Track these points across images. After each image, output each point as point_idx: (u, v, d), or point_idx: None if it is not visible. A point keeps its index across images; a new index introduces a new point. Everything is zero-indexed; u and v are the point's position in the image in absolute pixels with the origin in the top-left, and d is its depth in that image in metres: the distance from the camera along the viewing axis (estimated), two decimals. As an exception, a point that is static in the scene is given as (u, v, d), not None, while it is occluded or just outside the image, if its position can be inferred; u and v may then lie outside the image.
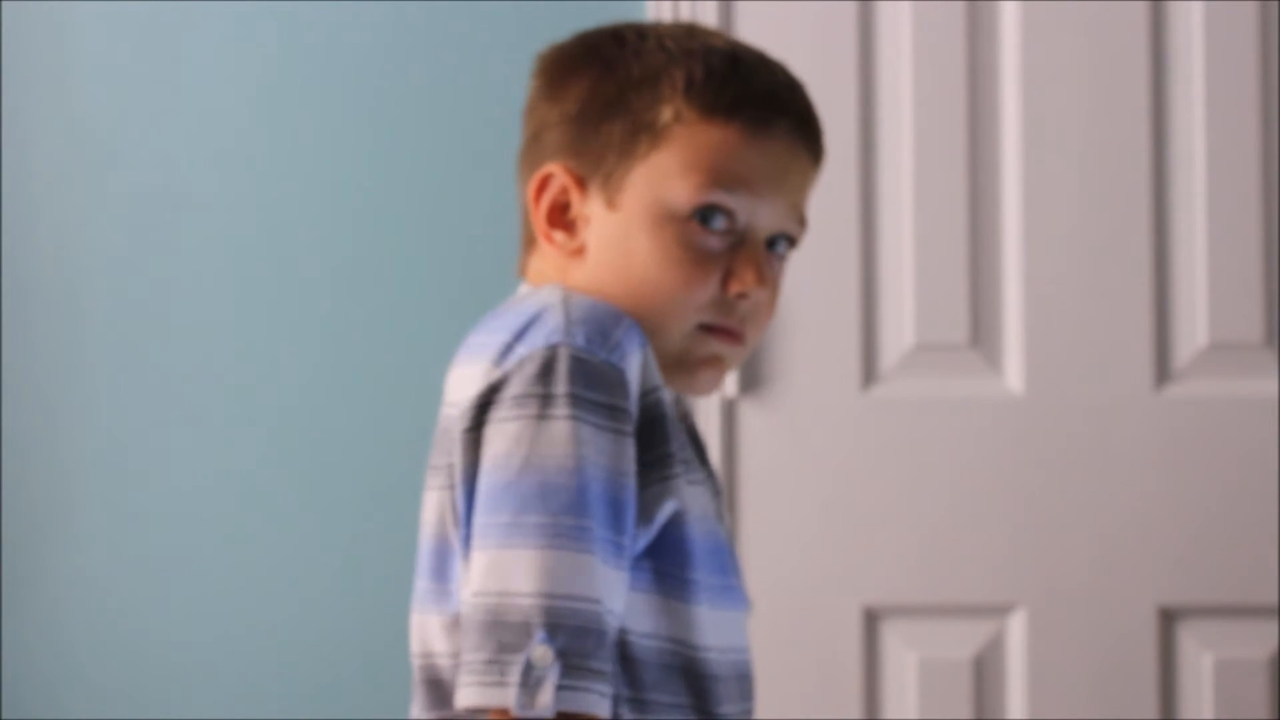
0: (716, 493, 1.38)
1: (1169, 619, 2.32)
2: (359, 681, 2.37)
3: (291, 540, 2.40)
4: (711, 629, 1.30)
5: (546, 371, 1.22)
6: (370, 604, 2.37)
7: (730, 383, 2.34)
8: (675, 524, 1.27)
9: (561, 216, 1.33)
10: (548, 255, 1.34)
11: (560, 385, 1.22)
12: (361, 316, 2.40)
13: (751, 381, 2.35)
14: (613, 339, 1.24)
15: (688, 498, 1.28)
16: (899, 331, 2.35)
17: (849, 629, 2.33)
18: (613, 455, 1.22)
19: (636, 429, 1.25)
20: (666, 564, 1.27)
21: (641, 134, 1.30)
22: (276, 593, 2.40)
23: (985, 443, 2.33)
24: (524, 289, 1.35)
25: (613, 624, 1.22)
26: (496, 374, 1.24)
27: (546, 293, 1.29)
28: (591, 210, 1.32)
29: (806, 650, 2.33)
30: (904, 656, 2.33)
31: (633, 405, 1.24)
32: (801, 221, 1.34)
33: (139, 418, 2.41)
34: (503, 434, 1.23)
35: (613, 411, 1.22)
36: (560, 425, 1.21)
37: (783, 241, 1.33)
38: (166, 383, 2.41)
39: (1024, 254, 2.34)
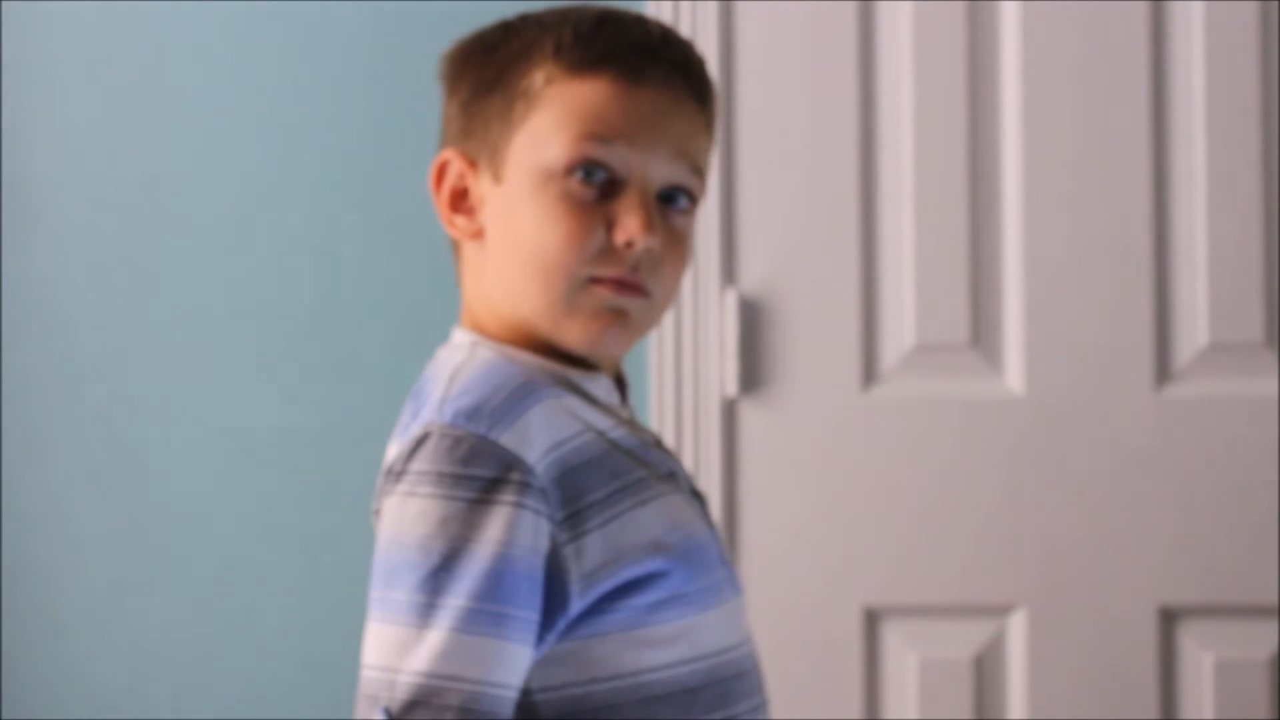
0: (691, 491, 1.37)
1: (1169, 619, 2.32)
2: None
3: (292, 540, 2.40)
4: (719, 629, 1.30)
5: (415, 450, 1.24)
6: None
7: (730, 383, 2.34)
8: (654, 554, 1.26)
9: (463, 202, 1.34)
10: (465, 250, 1.36)
11: (424, 463, 1.23)
12: (363, 316, 2.41)
13: (751, 381, 2.35)
14: (485, 410, 1.24)
15: (660, 516, 1.28)
16: (899, 331, 2.35)
17: (849, 629, 2.33)
18: (479, 526, 1.21)
19: (558, 482, 1.24)
20: (644, 596, 1.26)
21: (517, 101, 1.31)
22: (277, 593, 2.40)
23: (985, 443, 2.33)
24: (444, 349, 1.36)
25: (472, 693, 1.20)
26: (394, 454, 1.27)
27: (453, 355, 1.31)
28: (484, 189, 1.33)
29: (806, 650, 2.33)
30: (904, 656, 2.33)
31: (518, 470, 1.22)
32: (697, 171, 1.33)
33: (139, 418, 2.41)
34: (388, 509, 1.25)
35: (481, 483, 1.22)
36: (419, 503, 1.22)
37: (682, 196, 1.32)
38: (167, 382, 2.41)
39: (1024, 254, 2.34)
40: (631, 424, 1.36)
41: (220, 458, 2.41)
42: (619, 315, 1.30)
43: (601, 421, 1.31)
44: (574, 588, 1.23)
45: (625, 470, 1.29)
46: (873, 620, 2.34)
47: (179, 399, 2.41)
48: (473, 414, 1.24)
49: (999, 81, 2.35)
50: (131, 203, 2.42)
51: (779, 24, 2.35)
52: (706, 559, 1.31)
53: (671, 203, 1.32)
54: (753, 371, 2.35)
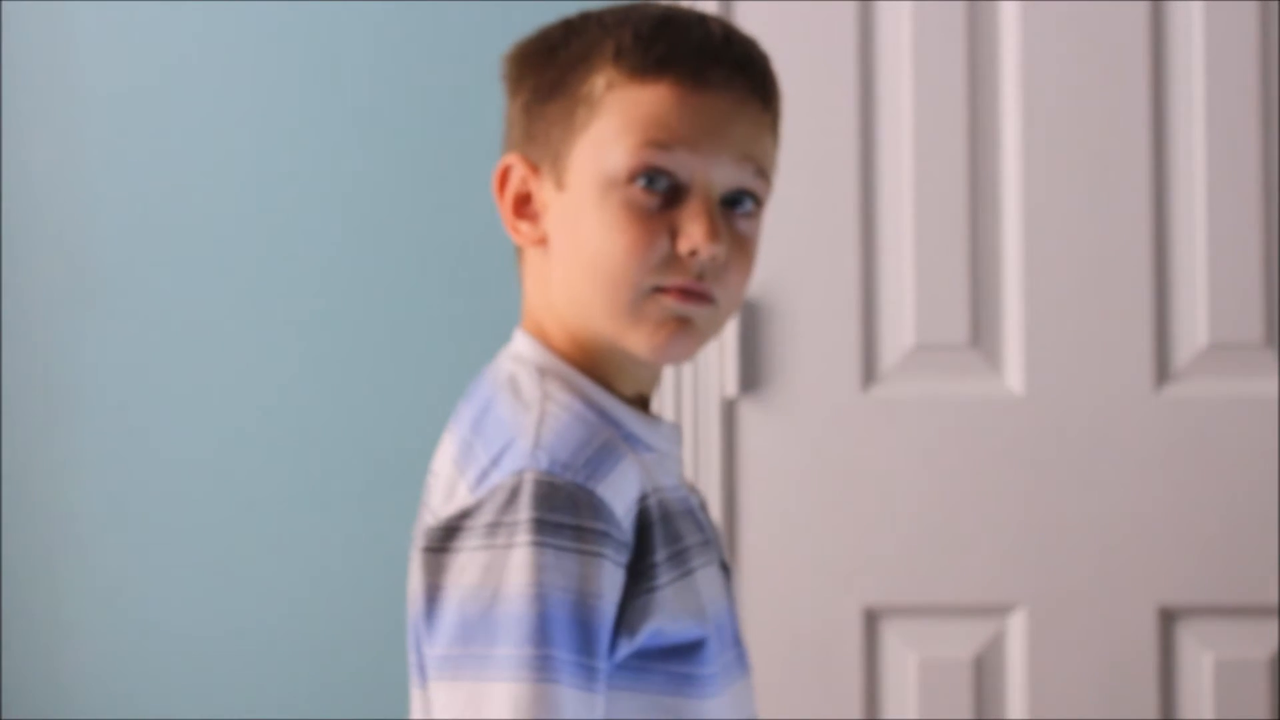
0: (722, 564, 1.36)
1: (1169, 619, 2.32)
2: (360, 683, 2.37)
3: (293, 540, 2.40)
4: (728, 710, 1.29)
5: (512, 499, 1.21)
6: (371, 605, 2.37)
7: (730, 383, 2.34)
8: (689, 625, 1.26)
9: (527, 208, 1.32)
10: (528, 255, 1.34)
11: (524, 512, 1.20)
12: (364, 317, 2.40)
13: (751, 381, 2.35)
14: (580, 458, 1.22)
15: (702, 587, 1.27)
16: (899, 331, 2.35)
17: (849, 629, 2.33)
18: (580, 577, 1.20)
19: (636, 536, 1.23)
20: (682, 664, 1.26)
21: (578, 107, 1.29)
22: (278, 593, 2.40)
23: (985, 443, 2.33)
24: (518, 341, 1.34)
25: None
26: (471, 500, 1.23)
27: (525, 384, 1.28)
28: (547, 195, 1.31)
29: (806, 650, 2.32)
30: (904, 656, 2.33)
31: (610, 523, 1.22)
32: (761, 174, 1.31)
33: (139, 417, 2.41)
34: (474, 563, 1.21)
35: (580, 533, 1.20)
36: (522, 553, 1.20)
37: (747, 199, 1.30)
38: (167, 383, 2.41)
39: (1024, 254, 2.34)
40: (688, 481, 1.35)
41: (221, 458, 2.41)
42: (684, 324, 1.28)
43: (666, 480, 1.30)
44: (624, 637, 1.23)
45: (684, 534, 1.28)
46: (873, 620, 2.34)
47: (180, 399, 2.41)
48: (569, 463, 1.22)
49: (999, 81, 2.35)
50: (132, 202, 2.42)
51: (779, 24, 2.34)
52: (724, 639, 1.30)
53: (736, 206, 1.30)
54: (753, 371, 2.35)
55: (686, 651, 1.25)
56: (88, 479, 2.41)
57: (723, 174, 1.28)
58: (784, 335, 2.35)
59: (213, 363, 2.41)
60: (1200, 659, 2.32)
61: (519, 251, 1.35)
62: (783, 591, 2.33)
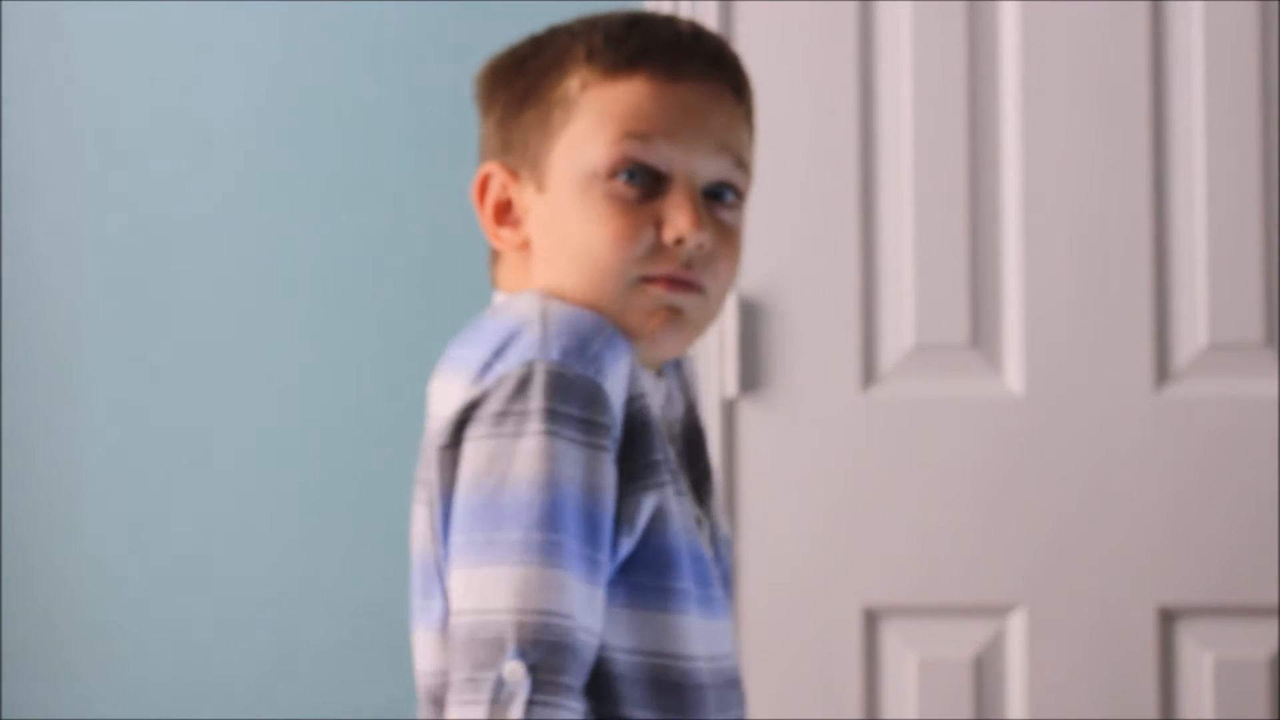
0: (710, 495, 1.37)
1: (1169, 619, 2.32)
2: (360, 683, 2.37)
3: (292, 541, 2.40)
4: (699, 638, 1.29)
5: (523, 388, 1.22)
6: (371, 605, 2.37)
7: (730, 383, 2.34)
8: (659, 533, 1.27)
9: (508, 214, 1.34)
10: (507, 258, 1.35)
11: (535, 401, 1.21)
12: (363, 317, 2.40)
13: (751, 381, 2.35)
14: (590, 351, 1.24)
15: (673, 507, 1.28)
16: (899, 331, 2.35)
17: (849, 629, 2.33)
18: (589, 470, 1.22)
19: (621, 438, 1.25)
20: (649, 576, 1.26)
21: (554, 110, 1.30)
22: (277, 593, 2.40)
23: (985, 443, 2.33)
24: (499, 297, 1.35)
25: (586, 640, 1.22)
26: (475, 391, 1.24)
27: (525, 302, 1.28)
28: (528, 199, 1.32)
29: (806, 650, 2.32)
30: (904, 656, 2.33)
31: (612, 419, 1.24)
32: (740, 165, 1.32)
33: (139, 418, 2.41)
34: (480, 451, 1.23)
35: (589, 426, 1.22)
36: (534, 441, 1.21)
37: (727, 192, 1.32)
38: (167, 383, 2.41)
39: (1024, 254, 2.34)
40: (690, 412, 1.37)
41: (221, 458, 2.41)
42: (674, 313, 1.30)
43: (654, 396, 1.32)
44: (626, 534, 1.25)
45: (662, 448, 1.29)
46: (873, 620, 2.34)
47: (180, 399, 2.41)
48: (580, 356, 1.23)
49: (999, 81, 2.35)
50: (132, 202, 2.42)
51: (779, 24, 2.35)
52: (703, 571, 1.30)
53: (718, 199, 1.31)
54: (752, 371, 2.35)
55: (655, 562, 1.26)
56: (88, 479, 2.41)
57: (703, 164, 1.30)
58: (784, 335, 2.35)
59: (214, 363, 2.41)
60: (1200, 659, 2.32)
61: (494, 258, 1.37)
62: (783, 591, 2.33)
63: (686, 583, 1.28)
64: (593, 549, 1.22)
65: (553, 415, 1.21)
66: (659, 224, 1.28)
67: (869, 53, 2.36)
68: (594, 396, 1.22)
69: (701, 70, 1.31)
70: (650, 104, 1.29)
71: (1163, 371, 2.34)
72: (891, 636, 2.34)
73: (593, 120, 1.29)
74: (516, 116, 1.33)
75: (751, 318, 2.35)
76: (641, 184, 1.28)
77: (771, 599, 2.32)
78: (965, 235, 2.34)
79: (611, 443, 1.23)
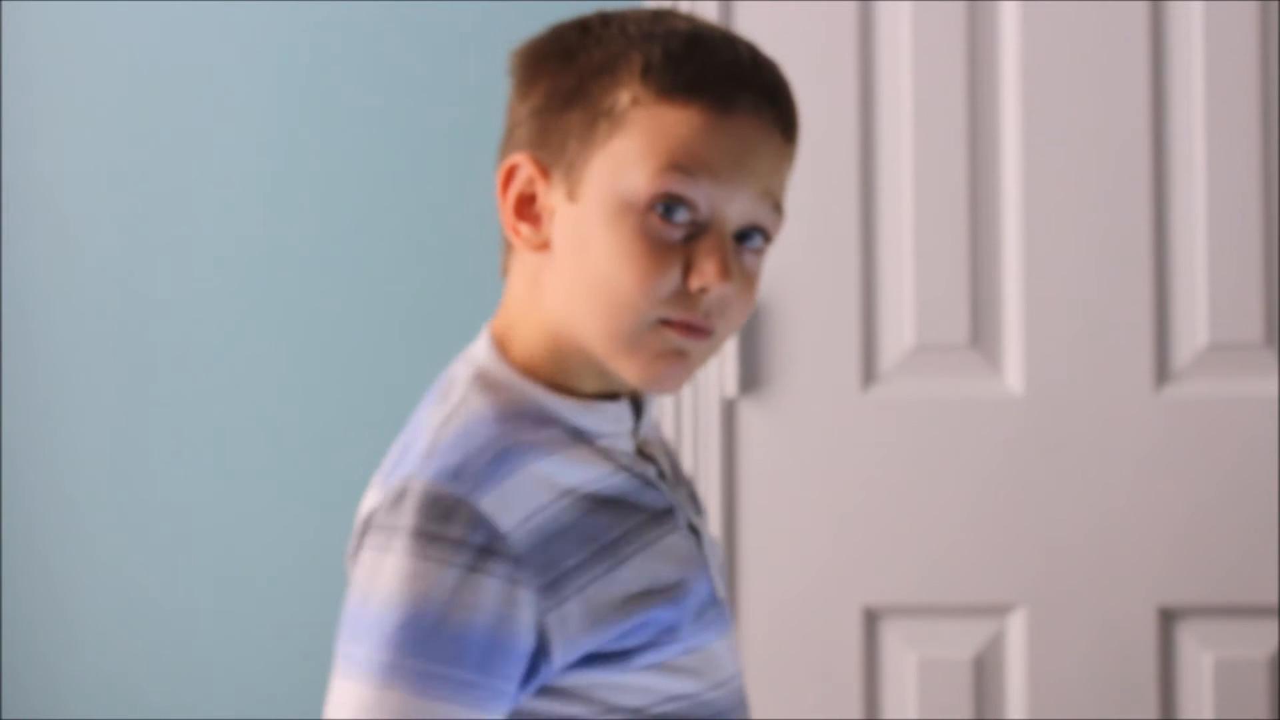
0: (690, 526, 1.34)
1: (1169, 619, 2.32)
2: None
3: (291, 541, 2.40)
4: (709, 670, 1.29)
5: (397, 503, 1.20)
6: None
7: (730, 383, 2.34)
8: (649, 604, 1.25)
9: (529, 209, 1.29)
10: (520, 253, 1.31)
11: (405, 519, 1.19)
12: (363, 318, 2.41)
13: (751, 381, 2.35)
14: (468, 471, 1.21)
15: (659, 554, 1.26)
16: (899, 331, 2.35)
17: (849, 629, 2.33)
18: (453, 590, 1.18)
19: (532, 550, 1.20)
20: (656, 637, 1.25)
21: (600, 120, 1.25)
22: (277, 593, 2.40)
23: (985, 443, 2.33)
24: (455, 366, 1.32)
25: None
26: (374, 502, 1.23)
27: (458, 392, 1.27)
28: (555, 202, 1.27)
29: (806, 650, 2.33)
30: (904, 656, 2.33)
31: (494, 538, 1.19)
32: (777, 209, 1.28)
33: (139, 418, 2.41)
34: (362, 563, 1.22)
35: (457, 546, 1.19)
36: (396, 560, 1.19)
37: (757, 235, 1.28)
38: (167, 383, 2.41)
39: (1024, 254, 2.34)
40: (639, 454, 1.33)
41: (221, 458, 2.41)
42: (681, 356, 1.26)
43: (591, 472, 1.27)
44: (557, 650, 1.21)
45: (603, 531, 1.25)
46: (872, 620, 2.34)
47: (180, 399, 2.41)
48: (456, 474, 1.20)
49: (999, 81, 2.35)
50: (132, 201, 2.42)
51: (779, 24, 2.35)
52: (700, 602, 1.29)
53: (746, 240, 1.27)
54: (752, 371, 2.35)
55: (632, 633, 1.24)
56: (88, 478, 2.41)
57: (741, 208, 1.26)
58: (784, 335, 2.35)
59: (214, 363, 2.41)
60: (1200, 659, 2.32)
61: (508, 248, 1.32)
62: (783, 591, 2.33)
63: (686, 628, 1.27)
64: (454, 667, 1.18)
65: (418, 535, 1.19)
66: (686, 267, 1.24)
67: (869, 53, 2.36)
68: (466, 516, 1.19)
69: (756, 105, 1.27)
70: (701, 138, 1.24)
71: (1163, 371, 2.34)
72: (891, 636, 2.34)
73: (640, 143, 1.24)
74: (559, 114, 1.27)
75: (751, 318, 2.35)
76: (677, 224, 1.24)
77: (771, 599, 2.32)
78: (965, 235, 2.34)
79: (500, 562, 1.19)
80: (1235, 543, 2.31)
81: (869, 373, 2.35)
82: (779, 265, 2.34)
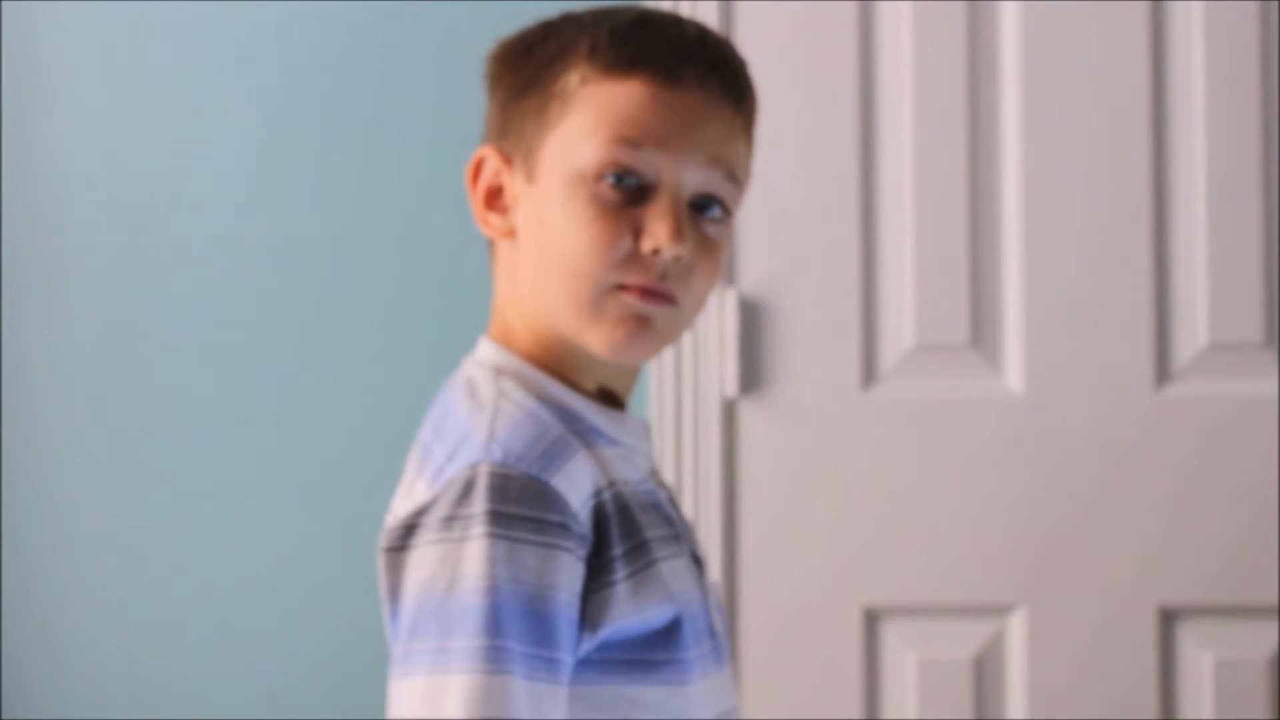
0: (694, 557, 1.36)
1: (1169, 619, 2.32)
2: (360, 682, 2.37)
3: (291, 542, 2.40)
4: (707, 699, 1.29)
5: (467, 491, 1.21)
6: (370, 605, 2.37)
7: (730, 383, 2.34)
8: (658, 611, 1.26)
9: (498, 200, 1.33)
10: (500, 249, 1.35)
11: (479, 504, 1.20)
12: (363, 318, 2.41)
13: (751, 381, 2.35)
14: (535, 450, 1.23)
15: (668, 577, 1.28)
16: (899, 331, 2.35)
17: (849, 629, 2.33)
18: (536, 570, 1.20)
19: (593, 530, 1.23)
20: (654, 651, 1.26)
21: (552, 102, 1.29)
22: (276, 595, 2.40)
23: (985, 443, 2.33)
24: (468, 365, 1.34)
25: None
26: (427, 496, 1.24)
27: (484, 390, 1.28)
28: (518, 188, 1.32)
29: (806, 650, 2.33)
30: (904, 656, 2.33)
31: (568, 515, 1.22)
32: (731, 178, 1.30)
33: (139, 418, 2.41)
34: (429, 557, 1.22)
35: (539, 525, 1.21)
36: (478, 544, 1.20)
37: (715, 206, 1.30)
38: (168, 383, 2.41)
39: (1024, 254, 2.34)
40: (655, 475, 1.36)
41: (221, 459, 2.41)
42: (643, 322, 1.28)
43: (632, 474, 1.31)
44: (586, 633, 1.23)
45: (644, 527, 1.28)
46: (873, 620, 2.34)
47: (180, 399, 2.41)
48: (524, 456, 1.22)
49: (999, 81, 2.35)
50: (132, 201, 2.42)
51: (779, 24, 2.35)
52: (698, 629, 1.30)
53: (705, 211, 1.30)
54: (752, 371, 2.35)
55: (659, 639, 1.26)
56: (89, 478, 2.41)
57: (692, 175, 1.28)
58: (784, 335, 2.35)
59: (214, 363, 2.41)
60: (1200, 659, 2.32)
61: (491, 248, 1.36)
62: (783, 591, 2.33)
63: (691, 651, 1.28)
64: (546, 648, 1.20)
65: (496, 517, 1.20)
66: (638, 232, 1.27)
67: (869, 53, 2.36)
68: (541, 494, 1.21)
69: (701, 76, 1.29)
70: (645, 109, 1.28)
71: (1163, 371, 2.33)
72: (891, 636, 2.34)
73: (587, 118, 1.28)
74: (517, 103, 1.32)
75: (751, 318, 2.35)
76: (626, 189, 1.27)
77: (771, 599, 2.32)
78: (965, 235, 2.34)
79: (574, 540, 1.22)
80: (1235, 543, 2.31)
81: (869, 373, 2.35)
82: (779, 265, 2.34)
